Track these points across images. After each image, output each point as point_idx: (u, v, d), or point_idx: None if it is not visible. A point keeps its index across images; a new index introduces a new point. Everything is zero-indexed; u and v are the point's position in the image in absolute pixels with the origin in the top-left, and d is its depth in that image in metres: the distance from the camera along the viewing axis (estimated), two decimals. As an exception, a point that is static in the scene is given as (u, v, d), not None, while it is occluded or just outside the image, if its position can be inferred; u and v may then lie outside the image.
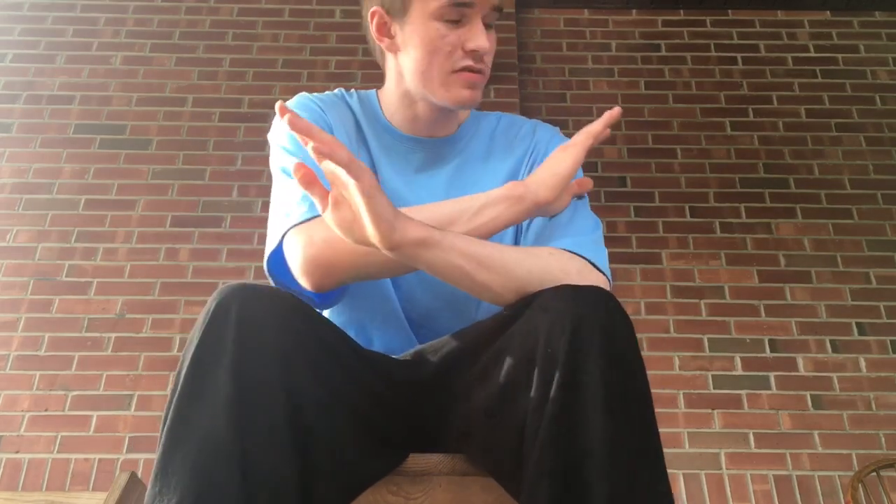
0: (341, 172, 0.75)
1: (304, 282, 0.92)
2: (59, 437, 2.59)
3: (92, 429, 2.60)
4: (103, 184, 3.04)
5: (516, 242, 1.06)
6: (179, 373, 0.75)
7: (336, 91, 1.12)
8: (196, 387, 0.73)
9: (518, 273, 0.87)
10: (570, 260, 0.92)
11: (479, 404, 0.86)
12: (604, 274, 0.94)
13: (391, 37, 1.01)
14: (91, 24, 3.38)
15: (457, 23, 0.96)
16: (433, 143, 1.07)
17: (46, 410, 2.63)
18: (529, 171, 1.05)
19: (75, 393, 2.66)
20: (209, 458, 0.70)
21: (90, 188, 3.03)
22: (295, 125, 0.73)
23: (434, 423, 0.95)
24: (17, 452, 2.56)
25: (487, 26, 0.99)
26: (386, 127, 1.07)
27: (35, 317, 2.79)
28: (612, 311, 0.78)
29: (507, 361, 0.82)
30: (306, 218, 0.91)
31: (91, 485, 2.51)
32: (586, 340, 0.74)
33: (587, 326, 0.75)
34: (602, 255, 0.96)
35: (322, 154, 0.73)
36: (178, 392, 0.74)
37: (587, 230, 0.99)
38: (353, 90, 1.13)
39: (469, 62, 0.97)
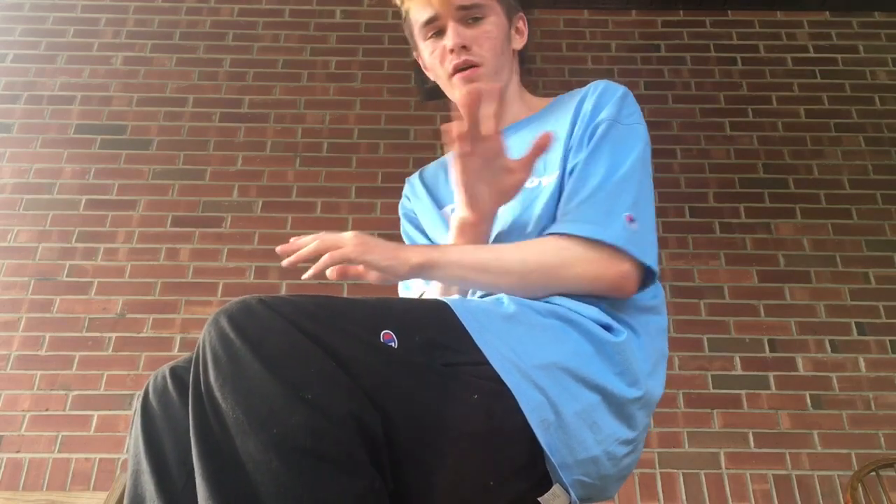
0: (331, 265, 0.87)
1: None
2: (60, 436, 2.59)
3: (93, 428, 2.61)
4: (104, 184, 3.04)
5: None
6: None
7: None
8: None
9: (513, 268, 0.92)
10: (567, 247, 0.92)
11: None
12: (614, 246, 0.91)
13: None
14: (92, 25, 3.38)
15: (439, 35, 1.08)
16: (506, 131, 1.08)
17: (47, 410, 2.64)
18: (576, 127, 1.03)
19: (76, 393, 2.67)
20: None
21: (91, 188, 3.03)
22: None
23: None
24: (17, 452, 2.57)
25: (467, 23, 1.07)
26: None
27: (36, 317, 2.79)
28: (204, 362, 0.68)
29: None
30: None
31: (92, 484, 2.51)
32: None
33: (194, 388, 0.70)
34: (611, 225, 0.92)
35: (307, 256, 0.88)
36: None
37: (595, 198, 0.95)
38: None
39: (455, 61, 1.06)
